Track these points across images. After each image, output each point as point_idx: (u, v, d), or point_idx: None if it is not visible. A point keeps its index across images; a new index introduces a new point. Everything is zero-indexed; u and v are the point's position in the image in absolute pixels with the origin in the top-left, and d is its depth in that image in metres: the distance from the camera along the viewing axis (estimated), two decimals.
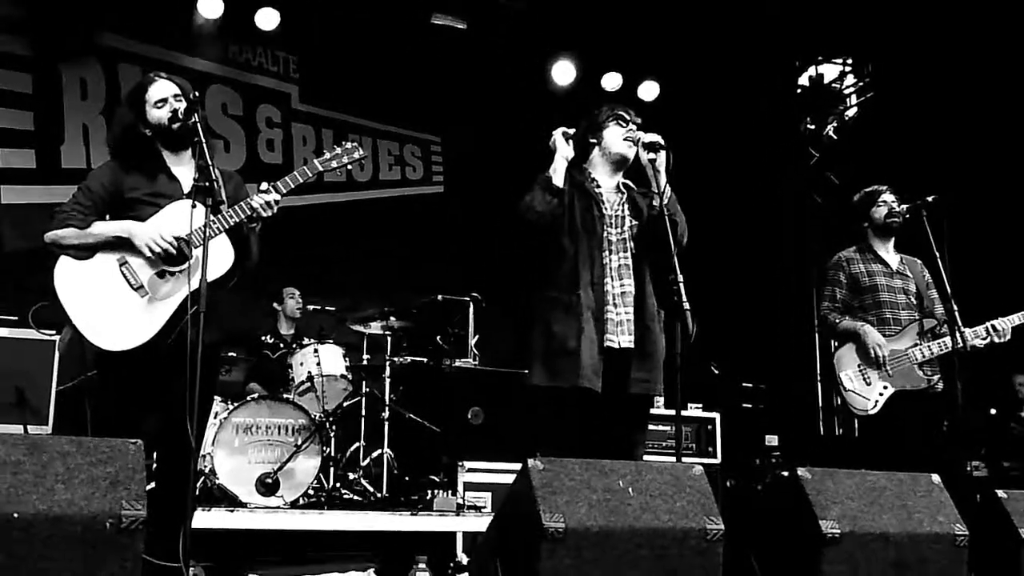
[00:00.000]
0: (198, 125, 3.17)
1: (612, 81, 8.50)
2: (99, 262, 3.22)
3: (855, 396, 4.32)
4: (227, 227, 3.22)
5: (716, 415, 6.62)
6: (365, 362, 6.36)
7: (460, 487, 5.40)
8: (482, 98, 8.32)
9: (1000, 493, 3.49)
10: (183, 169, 3.36)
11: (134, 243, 3.19)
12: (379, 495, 5.66)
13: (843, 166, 8.46)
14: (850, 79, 8.67)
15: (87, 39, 7.29)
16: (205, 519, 4.35)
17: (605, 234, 3.52)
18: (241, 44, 7.93)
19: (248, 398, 5.42)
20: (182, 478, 2.93)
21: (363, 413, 6.17)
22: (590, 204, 3.56)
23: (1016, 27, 6.71)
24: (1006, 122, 7.07)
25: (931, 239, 4.14)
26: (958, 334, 4.07)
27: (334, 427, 5.85)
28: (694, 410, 6.61)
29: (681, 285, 3.21)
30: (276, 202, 3.27)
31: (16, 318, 5.44)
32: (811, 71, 8.73)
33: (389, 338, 6.22)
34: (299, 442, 5.31)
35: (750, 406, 7.42)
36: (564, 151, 3.54)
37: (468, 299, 6.55)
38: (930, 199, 4.24)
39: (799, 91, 8.85)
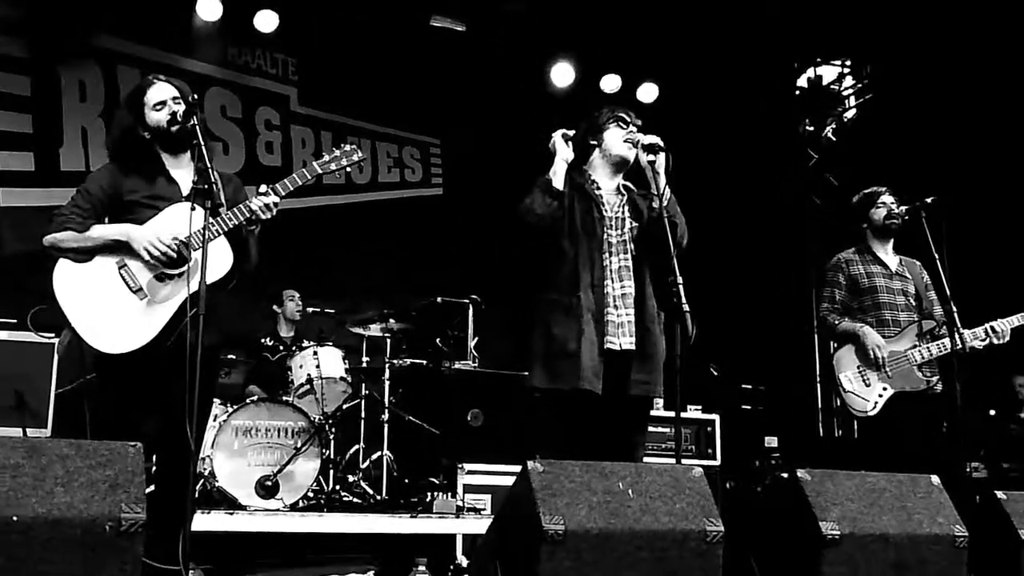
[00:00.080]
0: (197, 128, 3.17)
1: (611, 83, 8.51)
2: (98, 265, 3.22)
3: (854, 397, 4.32)
4: (226, 230, 3.22)
5: (716, 417, 6.62)
6: (365, 364, 6.35)
7: (460, 489, 5.40)
8: (481, 100, 8.33)
9: (999, 494, 3.49)
10: (182, 172, 3.36)
11: (133, 246, 3.19)
12: (379, 497, 5.67)
13: (842, 167, 8.48)
14: (849, 81, 8.69)
15: (85, 41, 7.29)
16: (205, 522, 4.35)
17: (605, 236, 3.52)
18: (240, 46, 7.94)
19: (247, 400, 5.41)
20: (181, 481, 2.93)
21: (362, 415, 6.18)
22: (590, 206, 3.55)
23: (1014, 28, 6.72)
24: (1005, 123, 7.08)
25: (930, 240, 4.14)
26: (957, 335, 4.07)
27: (333, 429, 5.84)
28: (694, 412, 6.61)
29: (681, 287, 3.21)
30: (275, 204, 3.27)
31: (15, 321, 5.43)
32: (810, 73, 8.76)
33: (388, 340, 6.23)
34: (299, 444, 5.31)
35: (750, 408, 7.42)
36: (564, 153, 3.54)
37: (467, 301, 6.55)
38: (929, 200, 4.24)
39: (798, 93, 8.88)
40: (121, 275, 3.22)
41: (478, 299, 6.54)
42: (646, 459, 3.81)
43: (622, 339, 3.42)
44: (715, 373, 7.11)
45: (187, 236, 3.16)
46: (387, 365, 6.13)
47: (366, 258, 7.94)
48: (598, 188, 3.60)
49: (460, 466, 5.48)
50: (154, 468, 3.24)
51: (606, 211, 3.56)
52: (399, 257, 8.05)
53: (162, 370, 3.13)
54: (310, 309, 6.51)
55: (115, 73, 7.36)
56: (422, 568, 3.94)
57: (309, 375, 5.79)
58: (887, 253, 4.55)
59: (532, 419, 3.53)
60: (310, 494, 5.31)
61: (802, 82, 8.82)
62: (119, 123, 3.40)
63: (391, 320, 6.09)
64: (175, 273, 3.23)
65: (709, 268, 6.34)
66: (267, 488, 5.16)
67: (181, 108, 3.28)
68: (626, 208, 3.60)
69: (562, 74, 8.36)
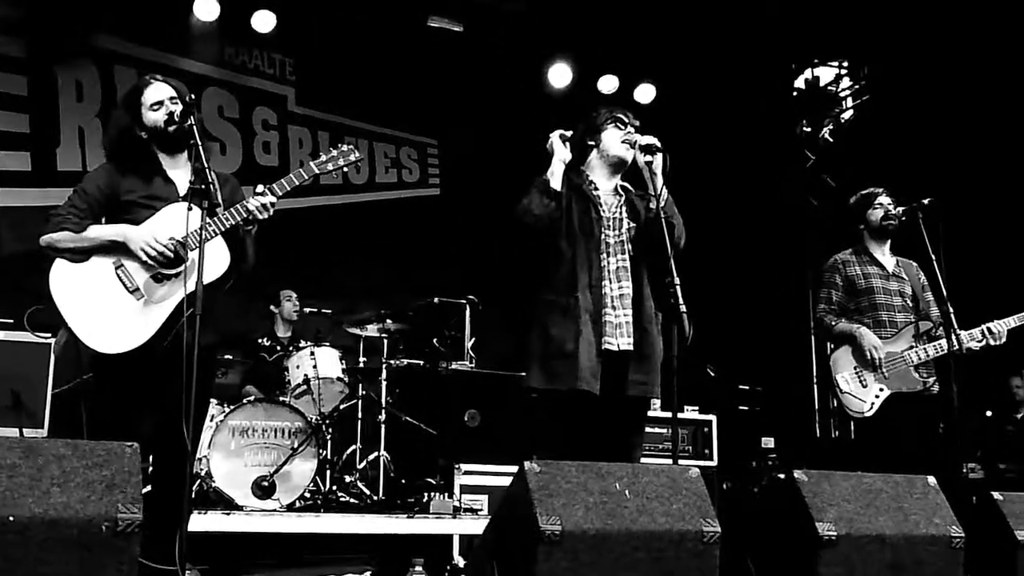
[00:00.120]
0: (194, 128, 3.17)
1: (609, 84, 8.51)
2: (95, 265, 3.21)
3: (851, 398, 4.32)
4: (223, 230, 3.22)
5: (712, 417, 6.62)
6: (361, 365, 6.35)
7: (456, 490, 5.40)
8: (479, 101, 8.32)
9: (996, 495, 3.50)
10: (179, 172, 3.35)
11: (129, 246, 3.19)
12: (375, 498, 5.66)
13: (839, 168, 8.49)
14: (846, 82, 8.71)
15: (83, 41, 7.28)
16: (201, 522, 4.35)
17: (603, 236, 3.52)
18: (237, 46, 7.93)
19: (244, 401, 5.41)
20: (178, 481, 2.93)
21: (359, 416, 6.18)
22: (588, 206, 3.55)
23: (1012, 28, 6.73)
24: (1002, 124, 7.09)
25: (927, 241, 4.15)
26: (954, 336, 4.07)
27: (330, 430, 5.84)
28: (691, 412, 6.61)
29: (678, 288, 3.21)
30: (272, 204, 3.27)
31: (12, 321, 5.43)
32: (807, 74, 8.77)
33: (385, 341, 6.22)
34: (295, 445, 5.31)
35: (746, 408, 7.43)
36: (561, 154, 3.54)
37: (465, 302, 6.55)
38: (926, 201, 4.24)
39: (795, 94, 8.89)
40: (118, 275, 3.21)
41: (475, 299, 6.53)
42: (643, 459, 3.81)
43: (620, 340, 3.42)
44: (712, 374, 7.11)
45: (184, 236, 3.16)
46: (384, 365, 6.13)
47: (363, 258, 7.94)
48: (596, 189, 3.60)
49: (457, 466, 5.49)
50: (151, 468, 3.24)
51: (604, 212, 3.56)
52: (396, 257, 8.04)
53: (159, 370, 3.12)
54: (307, 309, 6.51)
55: (112, 73, 7.35)
56: (419, 568, 3.95)
57: (306, 375, 5.78)
58: (884, 254, 4.55)
59: (529, 420, 3.53)
60: (307, 494, 5.30)
61: (799, 83, 8.83)
62: (116, 123, 3.40)
63: (388, 320, 6.09)
64: (172, 273, 3.23)
65: (706, 269, 6.35)
66: (264, 488, 5.15)
67: (178, 108, 3.28)
68: (624, 209, 3.60)
69: (560, 75, 8.35)
